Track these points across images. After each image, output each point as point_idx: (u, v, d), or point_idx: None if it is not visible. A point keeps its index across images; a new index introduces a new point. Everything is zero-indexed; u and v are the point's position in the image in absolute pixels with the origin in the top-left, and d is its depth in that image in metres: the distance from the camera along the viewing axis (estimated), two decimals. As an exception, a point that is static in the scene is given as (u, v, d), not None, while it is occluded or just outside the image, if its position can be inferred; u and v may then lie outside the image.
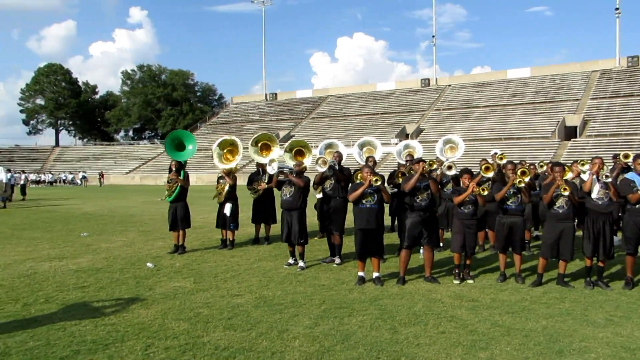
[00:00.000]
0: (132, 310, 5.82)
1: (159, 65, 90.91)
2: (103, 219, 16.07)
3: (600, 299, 6.34)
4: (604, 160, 7.27)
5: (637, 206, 6.82)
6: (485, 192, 7.08)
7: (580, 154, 36.22)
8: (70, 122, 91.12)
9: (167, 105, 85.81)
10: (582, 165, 9.12)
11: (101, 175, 52.02)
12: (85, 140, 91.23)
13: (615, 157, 10.07)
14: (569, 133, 43.50)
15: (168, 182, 9.65)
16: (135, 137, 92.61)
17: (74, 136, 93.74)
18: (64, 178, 55.59)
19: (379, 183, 6.96)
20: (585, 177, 7.91)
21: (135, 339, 4.87)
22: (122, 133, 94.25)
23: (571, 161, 9.92)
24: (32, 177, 49.94)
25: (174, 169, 9.62)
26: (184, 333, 5.06)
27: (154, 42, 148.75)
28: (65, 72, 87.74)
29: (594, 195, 6.90)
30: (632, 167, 7.16)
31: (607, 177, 6.74)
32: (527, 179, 7.25)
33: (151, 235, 12.09)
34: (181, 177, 9.53)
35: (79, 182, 53.23)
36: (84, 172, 55.91)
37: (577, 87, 50.54)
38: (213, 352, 4.57)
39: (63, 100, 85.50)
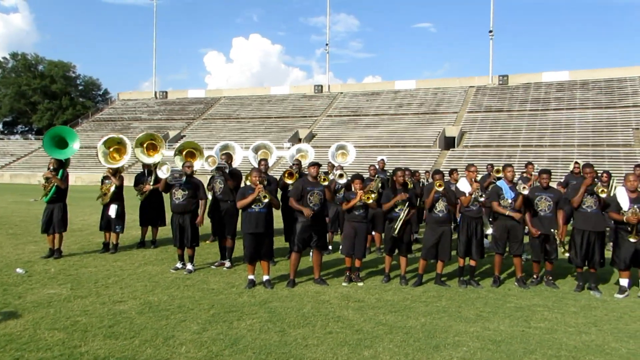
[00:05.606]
0: (-2, 321, 5.30)
1: (35, 55, 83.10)
2: (-36, 220, 14.38)
3: (472, 296, 6.92)
4: (478, 168, 7.96)
5: None
6: (371, 200, 7.38)
7: (458, 162, 39.11)
8: None
9: (44, 98, 78.86)
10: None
11: None
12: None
13: (491, 166, 11.29)
14: (449, 143, 46.82)
15: (44, 181, 8.93)
16: (6, 132, 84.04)
17: None
18: None
19: (266, 200, 7.02)
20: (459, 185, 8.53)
21: (1, 352, 4.44)
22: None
23: (449, 169, 10.71)
24: None
25: (52, 167, 8.93)
26: (59, 343, 4.71)
27: (31, 29, 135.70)
28: None
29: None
30: (503, 175, 7.94)
31: (481, 196, 7.53)
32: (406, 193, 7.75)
33: (22, 238, 11.05)
34: (59, 177, 8.87)
35: None
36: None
37: (456, 101, 54.55)
38: (92, 362, 4.30)
39: None
